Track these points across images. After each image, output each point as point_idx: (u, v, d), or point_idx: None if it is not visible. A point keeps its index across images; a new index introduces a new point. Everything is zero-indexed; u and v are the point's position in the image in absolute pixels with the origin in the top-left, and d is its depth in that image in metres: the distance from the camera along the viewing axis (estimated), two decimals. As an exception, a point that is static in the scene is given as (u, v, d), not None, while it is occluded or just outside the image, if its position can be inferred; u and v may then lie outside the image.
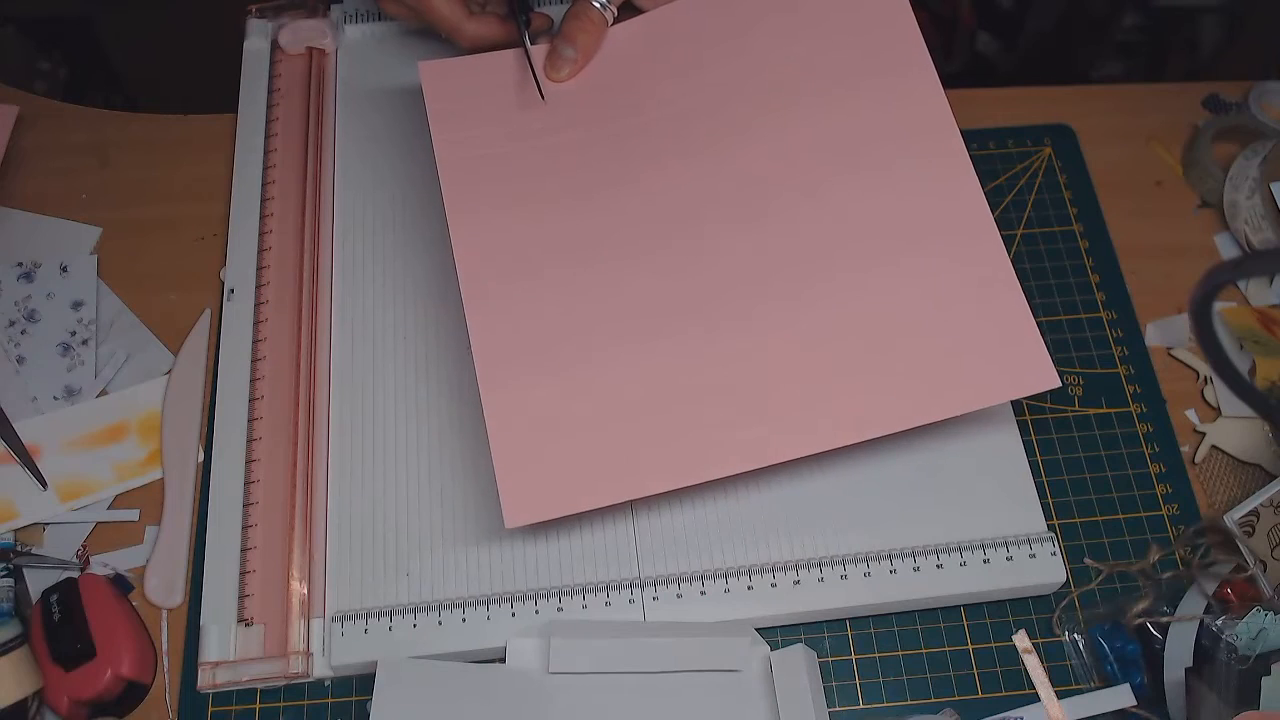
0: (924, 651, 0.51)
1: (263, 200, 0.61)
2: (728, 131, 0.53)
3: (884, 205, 0.50)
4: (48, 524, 0.54)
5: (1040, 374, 0.46)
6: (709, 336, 0.48)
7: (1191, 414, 0.57)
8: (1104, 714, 0.49)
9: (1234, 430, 0.56)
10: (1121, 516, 0.54)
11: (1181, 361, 0.58)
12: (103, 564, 0.53)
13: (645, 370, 0.48)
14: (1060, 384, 0.46)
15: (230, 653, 0.50)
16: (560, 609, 0.50)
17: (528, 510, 0.46)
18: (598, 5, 0.55)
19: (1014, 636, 0.51)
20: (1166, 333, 0.59)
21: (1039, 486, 0.53)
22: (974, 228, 0.49)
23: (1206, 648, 0.47)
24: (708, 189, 0.51)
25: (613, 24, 0.56)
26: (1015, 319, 0.47)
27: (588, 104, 0.55)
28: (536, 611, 0.49)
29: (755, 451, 0.46)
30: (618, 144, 0.53)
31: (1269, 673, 0.44)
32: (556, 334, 0.49)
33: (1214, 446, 0.56)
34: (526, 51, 0.56)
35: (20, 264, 0.61)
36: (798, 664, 0.48)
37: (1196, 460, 0.56)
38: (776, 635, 0.51)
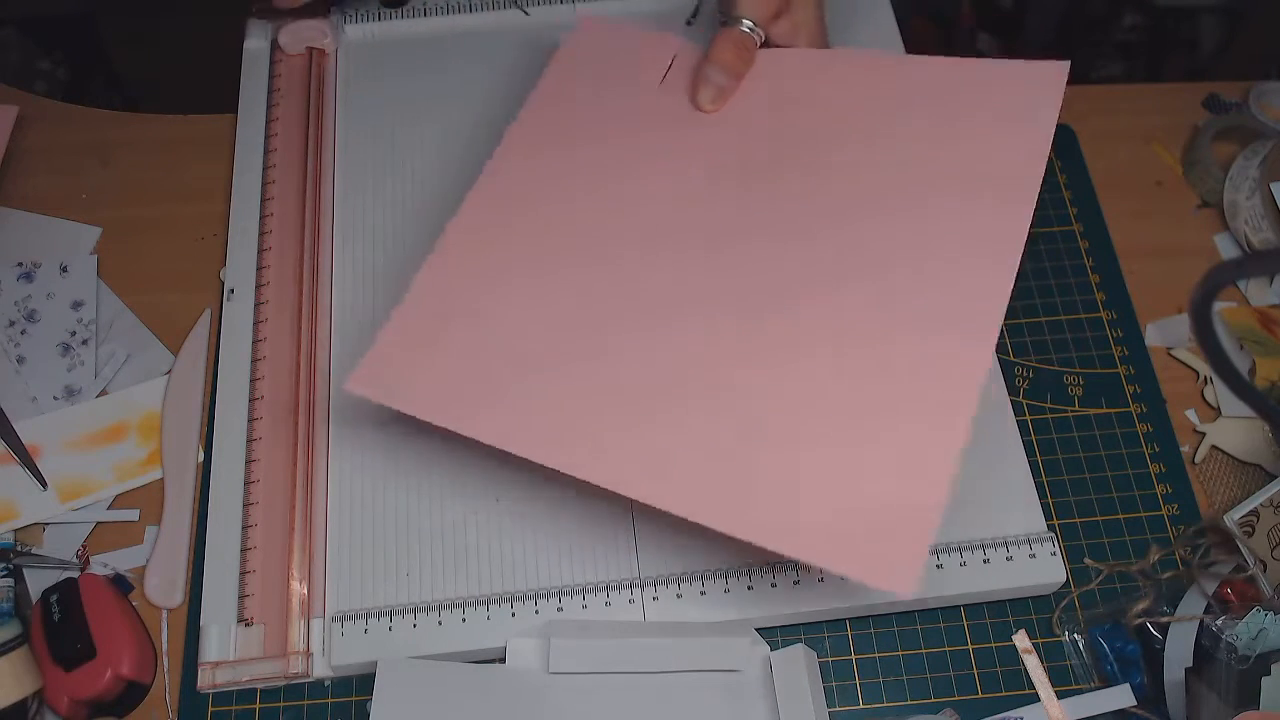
0: (924, 651, 0.51)
1: (263, 200, 0.61)
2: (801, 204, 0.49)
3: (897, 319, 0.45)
4: (48, 524, 0.54)
5: (897, 576, 0.39)
6: (672, 355, 0.46)
7: (1191, 414, 0.57)
8: (1104, 714, 0.49)
9: (1234, 430, 0.56)
10: (1121, 516, 0.54)
11: (1181, 361, 0.58)
12: (103, 564, 0.53)
13: (590, 346, 0.46)
14: (911, 590, 0.38)
15: (230, 653, 0.50)
16: (560, 609, 0.50)
17: (378, 386, 0.45)
18: (746, 28, 0.52)
19: (1014, 636, 0.51)
20: (1166, 333, 0.59)
21: (1039, 486, 0.53)
22: (957, 388, 0.42)
23: (1206, 648, 0.47)
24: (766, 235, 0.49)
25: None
26: (919, 519, 0.40)
27: (684, 117, 0.53)
28: (536, 611, 0.49)
29: (624, 476, 0.42)
30: (688, 161, 0.52)
31: (1269, 673, 0.44)
32: (532, 268, 0.48)
33: (1214, 446, 0.56)
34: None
35: (20, 264, 0.61)
36: (798, 664, 0.48)
37: (1196, 460, 0.56)
38: (776, 635, 0.51)
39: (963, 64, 0.50)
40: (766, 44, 0.54)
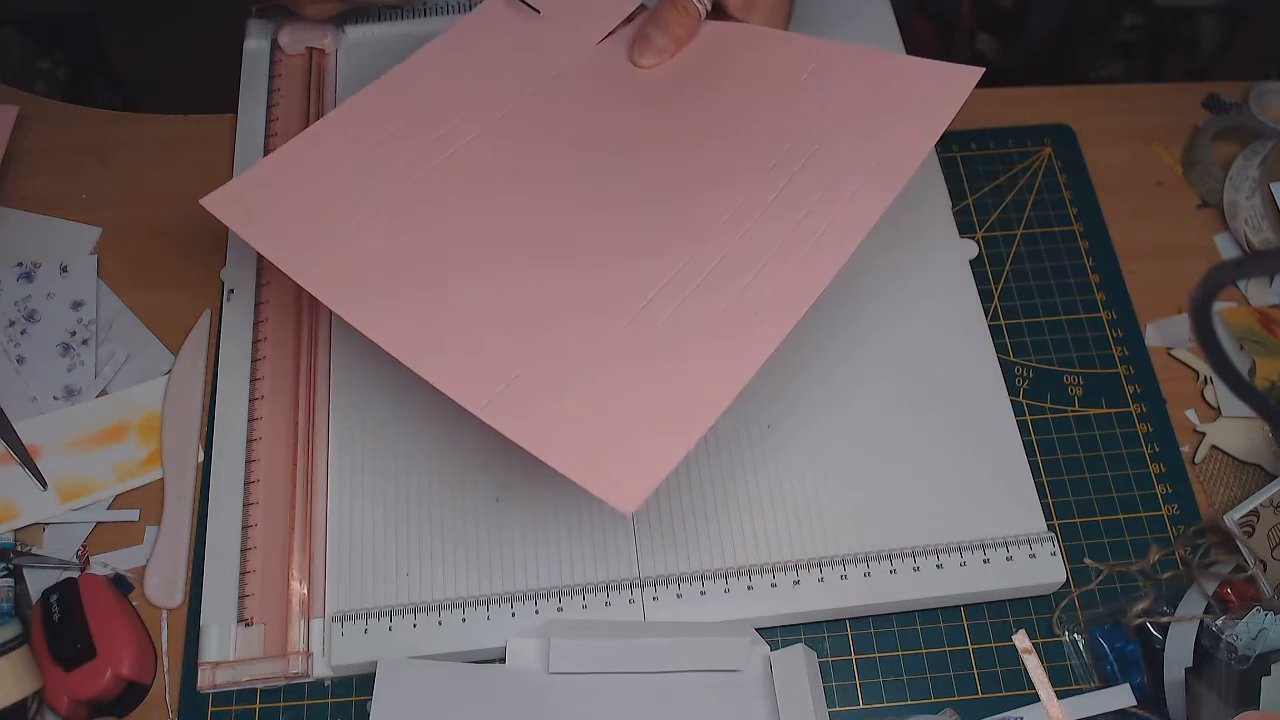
0: (924, 651, 0.51)
1: (263, 200, 0.61)
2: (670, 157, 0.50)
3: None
4: (48, 524, 0.54)
5: (622, 494, 0.39)
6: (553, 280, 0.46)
7: (1191, 414, 0.57)
8: (1104, 714, 0.49)
9: (1234, 430, 0.56)
10: (1121, 516, 0.54)
11: (1181, 361, 0.58)
12: (103, 564, 0.53)
13: (443, 247, 0.47)
14: (631, 507, 0.38)
15: (230, 653, 0.50)
16: (560, 609, 0.50)
17: (231, 210, 0.46)
18: None
19: (1014, 636, 0.51)
20: (1166, 333, 0.59)
21: (1039, 486, 0.53)
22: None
23: (1206, 648, 0.47)
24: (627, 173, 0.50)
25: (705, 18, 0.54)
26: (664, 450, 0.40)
27: (615, 66, 0.54)
28: (536, 611, 0.49)
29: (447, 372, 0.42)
30: (598, 107, 0.53)
31: (1269, 673, 0.44)
32: (411, 163, 0.50)
33: (1214, 446, 0.56)
34: None
35: (20, 264, 0.61)
36: (798, 664, 0.48)
37: (1196, 460, 0.56)
38: (776, 635, 0.51)
39: (886, 56, 0.52)
40: (719, 12, 0.54)
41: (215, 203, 0.47)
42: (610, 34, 0.55)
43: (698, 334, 0.43)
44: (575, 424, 0.41)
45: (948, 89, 0.48)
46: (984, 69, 0.48)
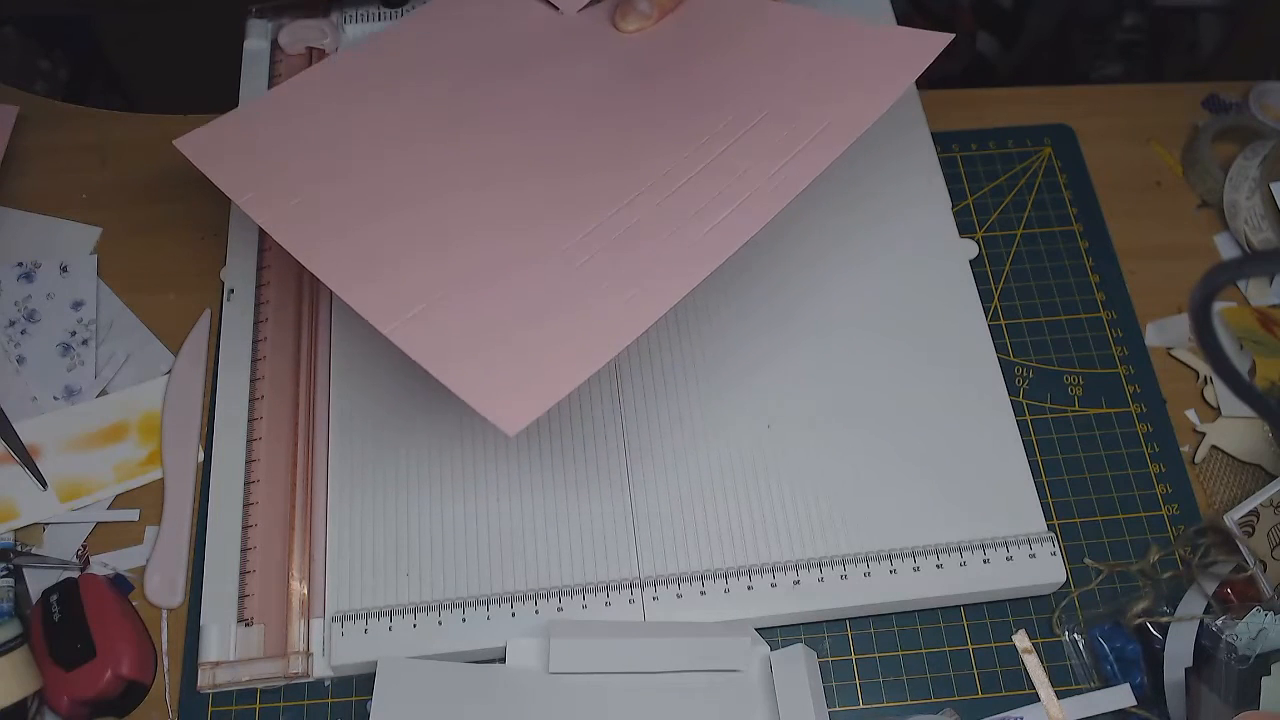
0: (924, 651, 0.51)
1: (263, 200, 0.61)
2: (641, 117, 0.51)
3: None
4: (48, 524, 0.54)
5: (507, 416, 0.39)
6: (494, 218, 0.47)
7: (1191, 414, 0.57)
8: (1104, 714, 0.49)
9: (1234, 430, 0.56)
10: (1121, 516, 0.54)
11: (1181, 361, 0.58)
12: (103, 564, 0.53)
13: (405, 199, 0.47)
14: (513, 429, 0.39)
15: (230, 653, 0.50)
16: (560, 609, 0.50)
17: (200, 153, 0.48)
18: None
19: (1014, 636, 0.51)
20: (1166, 333, 0.59)
21: (1039, 486, 0.53)
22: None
23: (1206, 648, 0.47)
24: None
25: None
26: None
27: (594, 27, 0.55)
28: (536, 611, 0.50)
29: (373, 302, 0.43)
30: (574, 63, 0.54)
31: (1269, 673, 0.44)
32: (380, 119, 0.51)
33: (1214, 446, 0.56)
34: None
35: (20, 264, 0.61)
36: (798, 664, 0.48)
37: (1196, 460, 0.56)
38: (776, 635, 0.51)
39: (859, 23, 0.52)
40: None
41: (187, 144, 0.49)
42: (593, 1, 0.56)
43: (609, 280, 0.44)
44: (476, 346, 0.42)
45: (914, 53, 0.49)
46: (953, 34, 0.48)
